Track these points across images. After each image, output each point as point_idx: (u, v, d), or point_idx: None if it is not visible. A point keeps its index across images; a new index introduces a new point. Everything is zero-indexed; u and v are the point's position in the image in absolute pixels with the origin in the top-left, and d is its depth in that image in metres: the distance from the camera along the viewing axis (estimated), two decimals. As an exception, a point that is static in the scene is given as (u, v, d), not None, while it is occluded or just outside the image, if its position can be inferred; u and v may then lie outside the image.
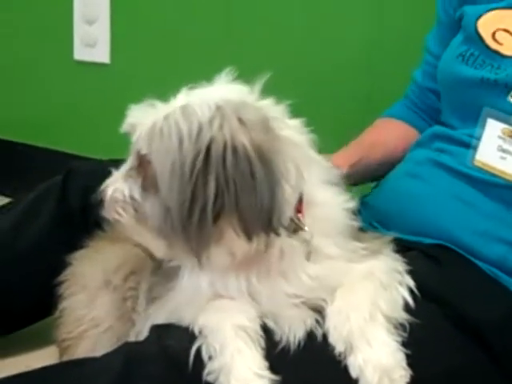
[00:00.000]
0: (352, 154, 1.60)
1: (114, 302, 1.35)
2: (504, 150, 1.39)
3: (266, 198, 1.11)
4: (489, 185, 1.39)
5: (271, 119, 1.17)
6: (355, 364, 1.15)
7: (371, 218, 1.45)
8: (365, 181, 1.64)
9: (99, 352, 1.27)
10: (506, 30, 1.45)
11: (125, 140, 2.37)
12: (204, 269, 1.18)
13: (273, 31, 2.17)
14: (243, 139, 1.11)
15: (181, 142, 1.12)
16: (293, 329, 1.18)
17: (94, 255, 1.41)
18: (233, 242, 1.14)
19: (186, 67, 2.23)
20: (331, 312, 1.20)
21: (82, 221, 1.54)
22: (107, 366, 1.17)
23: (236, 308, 1.19)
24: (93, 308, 1.35)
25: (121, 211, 1.21)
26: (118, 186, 1.22)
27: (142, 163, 1.18)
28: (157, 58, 2.37)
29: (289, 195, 1.15)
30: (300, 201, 1.19)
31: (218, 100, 1.15)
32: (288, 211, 1.16)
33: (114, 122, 2.62)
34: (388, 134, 1.69)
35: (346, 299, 1.20)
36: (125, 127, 1.23)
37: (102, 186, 1.23)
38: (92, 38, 2.48)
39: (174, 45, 2.33)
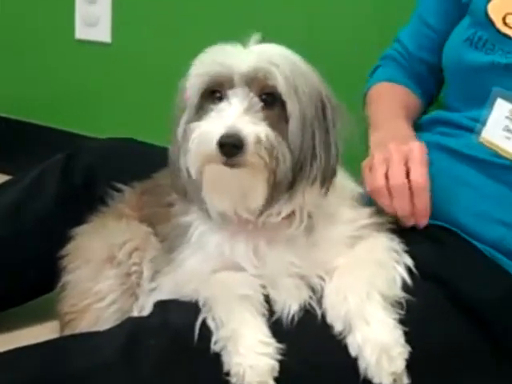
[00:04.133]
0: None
1: (118, 276, 1.36)
2: (510, 131, 1.40)
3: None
4: (491, 165, 1.40)
5: None
6: (354, 343, 1.17)
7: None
8: None
9: (102, 326, 1.29)
10: None
11: (126, 118, 2.39)
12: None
13: (280, 5, 2.17)
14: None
15: (319, 90, 1.18)
16: (288, 301, 1.20)
17: (99, 230, 1.42)
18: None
19: (187, 46, 2.23)
20: (329, 292, 1.22)
21: (86, 197, 1.54)
22: (111, 340, 1.19)
23: (239, 279, 1.21)
24: (97, 282, 1.36)
25: (264, 154, 1.12)
26: (257, 128, 1.12)
27: (271, 104, 1.16)
28: (158, 37, 2.37)
29: None
30: None
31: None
32: None
33: (116, 100, 2.63)
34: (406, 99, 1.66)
35: (343, 279, 1.22)
36: (219, 68, 1.16)
37: (230, 129, 1.10)
38: (93, 18, 2.46)
39: (176, 23, 2.33)
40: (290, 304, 1.20)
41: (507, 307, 1.30)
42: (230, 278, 1.22)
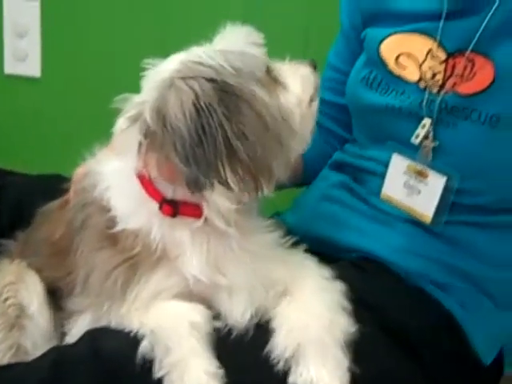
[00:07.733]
0: None
1: None
2: (410, 187, 1.39)
3: None
4: (396, 218, 1.40)
5: None
6: (306, 377, 1.15)
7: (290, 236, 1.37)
8: None
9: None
10: (409, 55, 1.40)
11: (55, 154, 2.36)
12: None
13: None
14: None
15: None
16: (241, 310, 1.20)
17: None
18: None
19: (118, 80, 2.23)
20: (287, 312, 1.21)
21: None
22: (35, 370, 1.17)
23: (189, 307, 1.19)
24: None
25: None
26: None
27: None
28: (88, 72, 2.36)
29: None
30: None
31: None
32: None
33: (45, 136, 2.60)
34: None
35: (300, 301, 1.21)
36: None
37: None
38: (23, 52, 2.45)
39: (105, 58, 2.33)
40: (242, 313, 1.19)
41: (435, 334, 1.32)
42: (178, 306, 1.19)
